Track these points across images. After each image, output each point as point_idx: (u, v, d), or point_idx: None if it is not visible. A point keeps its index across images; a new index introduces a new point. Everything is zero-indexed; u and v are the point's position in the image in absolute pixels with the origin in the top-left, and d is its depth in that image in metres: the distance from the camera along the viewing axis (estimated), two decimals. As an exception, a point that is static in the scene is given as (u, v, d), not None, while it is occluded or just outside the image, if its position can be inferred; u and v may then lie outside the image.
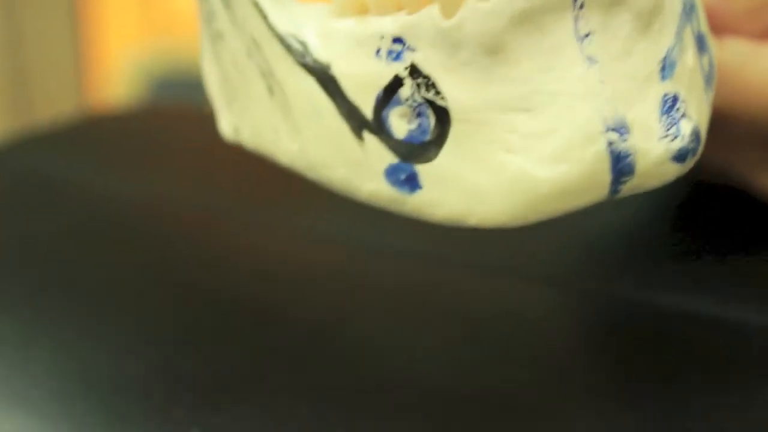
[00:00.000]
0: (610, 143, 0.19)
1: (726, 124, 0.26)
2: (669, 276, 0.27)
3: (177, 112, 0.43)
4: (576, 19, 0.19)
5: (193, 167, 0.37)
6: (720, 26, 0.26)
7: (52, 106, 1.29)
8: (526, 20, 0.18)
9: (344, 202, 0.24)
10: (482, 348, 0.24)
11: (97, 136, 0.40)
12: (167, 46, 1.44)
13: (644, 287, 0.26)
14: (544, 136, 0.19)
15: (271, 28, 0.21)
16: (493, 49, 0.19)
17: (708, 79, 0.21)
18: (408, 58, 0.19)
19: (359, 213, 0.22)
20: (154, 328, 0.26)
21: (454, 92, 0.19)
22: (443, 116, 0.19)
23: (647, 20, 0.19)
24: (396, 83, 0.20)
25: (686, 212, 0.31)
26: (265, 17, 0.21)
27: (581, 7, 0.19)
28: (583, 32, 0.19)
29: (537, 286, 0.27)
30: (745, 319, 0.25)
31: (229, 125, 0.24)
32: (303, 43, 0.21)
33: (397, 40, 0.20)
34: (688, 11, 0.21)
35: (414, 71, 0.19)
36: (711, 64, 0.22)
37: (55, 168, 0.36)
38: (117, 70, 1.45)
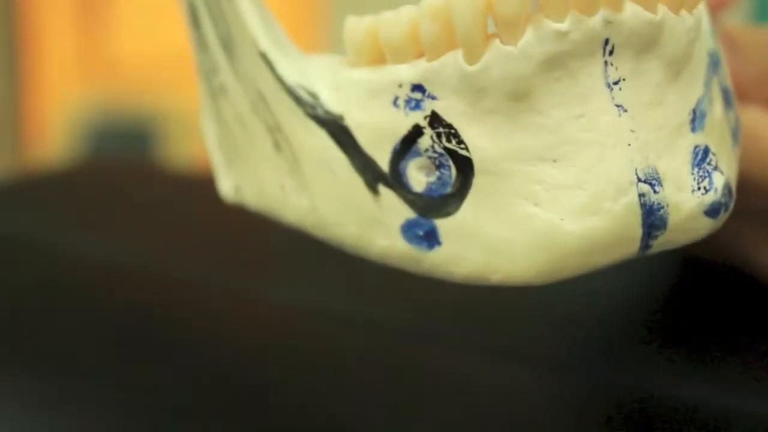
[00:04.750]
0: (642, 195, 0.18)
1: (737, 194, 0.25)
2: (666, 361, 0.26)
3: (120, 167, 0.42)
4: (606, 64, 0.18)
5: (138, 225, 0.36)
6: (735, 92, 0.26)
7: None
8: (554, 65, 0.18)
9: (302, 266, 0.22)
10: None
11: (39, 194, 0.40)
12: (106, 97, 1.45)
13: (640, 373, 0.25)
14: (573, 187, 0.18)
15: (279, 80, 0.20)
16: (519, 96, 0.18)
17: (734, 134, 0.21)
18: (428, 106, 0.19)
19: (317, 278, 0.21)
20: (66, 404, 0.24)
21: (477, 141, 0.18)
22: (465, 167, 0.18)
23: (677, 68, 0.19)
24: (415, 133, 0.19)
25: (686, 292, 0.30)
26: (272, 69, 0.21)
27: (611, 53, 0.18)
28: (612, 79, 0.18)
29: (535, 370, 0.26)
30: (743, 408, 0.24)
31: (229, 185, 0.23)
32: (313, 95, 0.20)
33: (417, 87, 0.19)
34: (715, 63, 0.20)
35: (434, 120, 0.19)
36: (736, 120, 0.21)
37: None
38: (55, 121, 1.46)
